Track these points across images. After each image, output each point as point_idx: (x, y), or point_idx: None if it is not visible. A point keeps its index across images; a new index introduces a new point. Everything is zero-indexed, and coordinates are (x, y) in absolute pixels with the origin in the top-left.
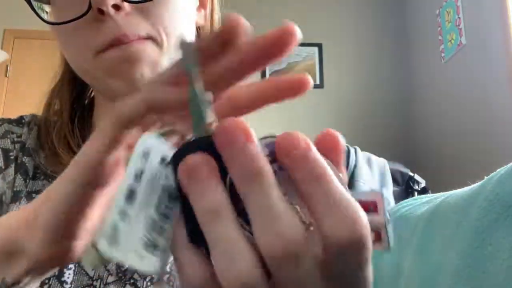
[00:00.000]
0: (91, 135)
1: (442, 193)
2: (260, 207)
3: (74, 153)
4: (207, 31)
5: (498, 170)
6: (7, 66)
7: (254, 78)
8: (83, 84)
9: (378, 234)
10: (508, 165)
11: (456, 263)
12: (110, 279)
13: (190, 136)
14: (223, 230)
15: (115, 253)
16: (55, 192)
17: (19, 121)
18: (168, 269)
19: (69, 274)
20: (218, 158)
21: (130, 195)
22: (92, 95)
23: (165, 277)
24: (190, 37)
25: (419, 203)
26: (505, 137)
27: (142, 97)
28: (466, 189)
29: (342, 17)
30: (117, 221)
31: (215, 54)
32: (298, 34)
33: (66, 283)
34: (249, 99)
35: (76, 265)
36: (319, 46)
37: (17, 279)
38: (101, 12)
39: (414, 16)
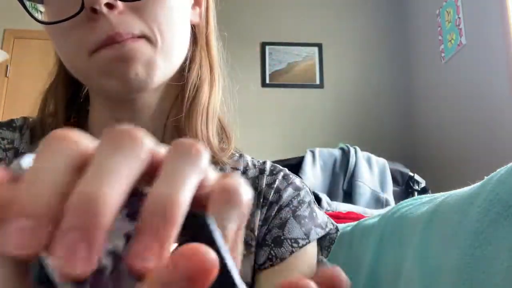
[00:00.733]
0: None
1: (442, 193)
2: None
3: None
4: (202, 29)
5: (498, 170)
6: (7, 66)
7: (254, 82)
8: (78, 84)
9: None
10: (508, 165)
11: (456, 263)
12: None
13: None
14: None
15: None
16: None
17: (10, 125)
18: None
19: None
20: None
21: None
22: (87, 94)
23: None
24: (186, 35)
25: (419, 203)
26: (505, 137)
27: None
28: (466, 189)
29: (342, 17)
30: None
31: None
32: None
33: None
34: None
35: None
36: (319, 46)
37: None
38: (94, 11)
39: (414, 16)
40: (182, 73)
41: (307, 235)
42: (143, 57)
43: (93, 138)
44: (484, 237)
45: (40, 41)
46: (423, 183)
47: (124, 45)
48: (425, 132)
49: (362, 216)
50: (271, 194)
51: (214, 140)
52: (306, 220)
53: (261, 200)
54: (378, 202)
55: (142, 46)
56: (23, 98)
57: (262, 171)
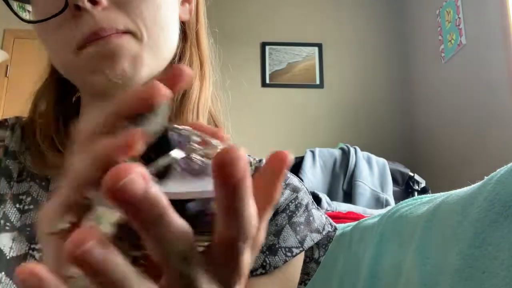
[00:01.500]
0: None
1: (442, 193)
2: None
3: (59, 152)
4: (192, 25)
5: (498, 170)
6: (7, 66)
7: (254, 82)
8: (69, 84)
9: None
10: (508, 165)
11: (456, 263)
12: None
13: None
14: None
15: None
16: None
17: (2, 124)
18: None
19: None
20: None
21: None
22: (78, 94)
23: None
24: (174, 31)
25: (419, 203)
26: (505, 137)
27: (92, 156)
28: (466, 189)
29: (342, 17)
30: None
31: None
32: None
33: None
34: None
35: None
36: (319, 46)
37: None
38: (78, 8)
39: (414, 16)
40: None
41: (301, 243)
42: (129, 53)
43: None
44: (484, 237)
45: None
46: (423, 183)
47: (109, 42)
48: (425, 132)
49: (362, 216)
50: None
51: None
52: (302, 226)
53: None
54: (378, 202)
55: (127, 42)
56: (23, 98)
57: (258, 170)
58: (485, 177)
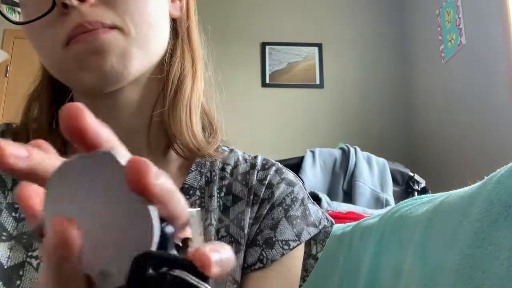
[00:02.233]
0: None
1: (442, 193)
2: None
3: None
4: (183, 22)
5: (498, 170)
6: (7, 66)
7: (254, 82)
8: (62, 88)
9: None
10: (508, 165)
11: (456, 263)
12: None
13: None
14: None
15: None
16: None
17: None
18: None
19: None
20: None
21: None
22: (71, 98)
23: None
24: (164, 27)
25: (419, 203)
26: (505, 137)
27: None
28: (466, 189)
29: (342, 17)
30: None
31: None
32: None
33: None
34: None
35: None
36: (319, 46)
37: None
38: (65, 6)
39: (414, 16)
40: (163, 67)
41: (298, 236)
42: (117, 48)
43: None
44: (484, 237)
45: None
46: (423, 183)
47: (96, 38)
48: (425, 132)
49: (362, 216)
50: (263, 191)
51: (199, 133)
52: (298, 220)
53: (252, 198)
54: (378, 202)
55: (114, 37)
56: (23, 98)
57: (253, 166)
58: (485, 177)
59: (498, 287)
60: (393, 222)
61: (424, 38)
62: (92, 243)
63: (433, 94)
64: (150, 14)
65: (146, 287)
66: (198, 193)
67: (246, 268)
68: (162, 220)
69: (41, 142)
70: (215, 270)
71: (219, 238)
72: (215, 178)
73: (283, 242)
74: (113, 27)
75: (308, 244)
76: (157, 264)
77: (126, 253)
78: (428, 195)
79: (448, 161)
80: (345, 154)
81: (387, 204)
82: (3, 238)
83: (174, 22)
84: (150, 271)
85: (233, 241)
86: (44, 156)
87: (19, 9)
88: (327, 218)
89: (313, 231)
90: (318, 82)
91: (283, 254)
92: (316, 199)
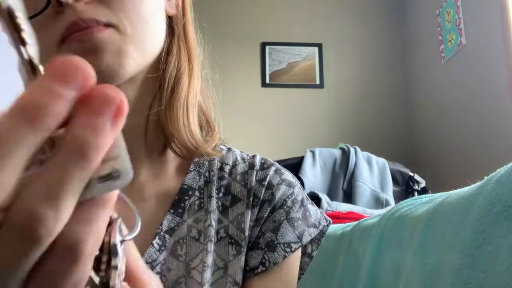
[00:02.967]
0: None
1: (442, 193)
2: None
3: None
4: (179, 20)
5: (498, 170)
6: None
7: (254, 82)
8: None
9: None
10: (508, 165)
11: (456, 263)
12: None
13: None
14: None
15: None
16: None
17: None
18: None
19: None
20: None
21: None
22: None
23: None
24: (160, 25)
25: (419, 203)
26: (505, 137)
27: None
28: (466, 189)
29: (342, 17)
30: None
31: None
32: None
33: None
34: None
35: None
36: (319, 46)
37: None
38: (60, 4)
39: (414, 16)
40: (159, 65)
41: (299, 238)
42: (112, 47)
43: None
44: (484, 237)
45: None
46: (423, 183)
47: (91, 37)
48: (425, 132)
49: (362, 216)
50: (263, 192)
51: (197, 131)
52: (299, 222)
53: (251, 199)
54: (378, 202)
55: (109, 36)
56: None
57: (251, 166)
58: (485, 177)
59: (498, 287)
60: (393, 222)
61: (424, 38)
62: None
63: (433, 94)
64: (146, 12)
65: None
66: (197, 193)
67: (249, 271)
68: None
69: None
70: None
71: (219, 239)
72: (213, 178)
73: (285, 245)
74: (108, 25)
75: None
76: None
77: None
78: (428, 195)
79: (448, 161)
80: (345, 154)
81: (387, 204)
82: None
83: (170, 20)
84: None
85: (233, 243)
86: None
87: None
88: (325, 218)
89: (313, 232)
90: (318, 82)
91: (285, 257)
92: (316, 199)
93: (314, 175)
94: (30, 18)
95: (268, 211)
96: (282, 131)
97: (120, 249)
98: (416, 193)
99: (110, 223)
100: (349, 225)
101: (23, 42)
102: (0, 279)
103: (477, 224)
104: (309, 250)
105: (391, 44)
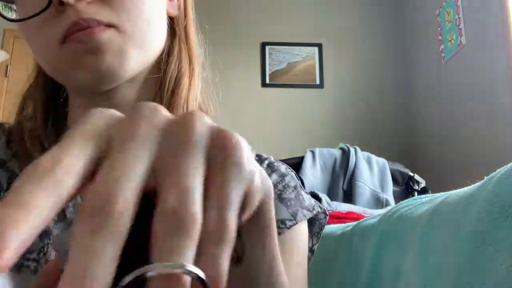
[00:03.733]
0: None
1: (442, 193)
2: None
3: None
4: (180, 20)
5: (498, 170)
6: (7, 66)
7: (254, 82)
8: (57, 86)
9: None
10: (508, 165)
11: (456, 263)
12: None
13: None
14: None
15: None
16: None
17: None
18: None
19: None
20: None
21: None
22: (66, 96)
23: None
24: (161, 26)
25: (419, 203)
26: (505, 137)
27: None
28: (466, 189)
29: (342, 17)
30: None
31: None
32: None
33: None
34: None
35: None
36: (319, 46)
37: None
38: (61, 3)
39: (414, 16)
40: (160, 66)
41: (294, 216)
42: (113, 47)
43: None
44: (484, 237)
45: None
46: (423, 183)
47: (92, 37)
48: (425, 132)
49: (362, 216)
50: None
51: None
52: (292, 202)
53: None
54: (378, 202)
55: (110, 36)
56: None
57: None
58: (485, 177)
59: (498, 287)
60: (393, 222)
61: (424, 38)
62: None
63: (433, 94)
64: (148, 13)
65: None
66: None
67: None
68: None
69: None
70: None
71: None
72: None
73: (279, 222)
74: (109, 26)
75: None
76: None
77: None
78: (428, 195)
79: (448, 161)
80: (345, 154)
81: (387, 204)
82: None
83: (171, 20)
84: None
85: None
86: None
87: (15, 8)
88: (320, 207)
89: (307, 214)
90: (318, 82)
91: (279, 234)
92: (316, 199)
93: (314, 175)
94: (32, 17)
95: None
96: (282, 131)
97: None
98: (416, 193)
99: None
100: (349, 225)
101: None
102: None
103: (477, 224)
104: (310, 244)
105: (391, 44)
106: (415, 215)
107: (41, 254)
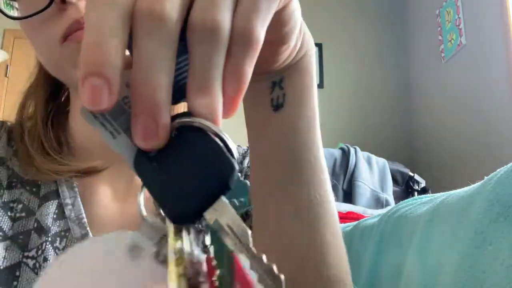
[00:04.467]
0: None
1: (442, 193)
2: None
3: (48, 155)
4: None
5: (498, 170)
6: (7, 66)
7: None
8: (58, 85)
9: None
10: (508, 165)
11: (456, 263)
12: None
13: None
14: None
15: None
16: None
17: None
18: None
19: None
20: None
21: None
22: (68, 95)
23: None
24: None
25: (419, 203)
26: (505, 137)
27: None
28: (466, 189)
29: (342, 17)
30: None
31: None
32: None
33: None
34: None
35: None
36: (319, 46)
37: None
38: (63, 1)
39: (414, 16)
40: None
41: None
42: None
43: (73, 143)
44: (484, 237)
45: None
46: (423, 183)
47: None
48: (425, 132)
49: (362, 216)
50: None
51: None
52: None
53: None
54: (378, 202)
55: None
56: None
57: (244, 156)
58: (485, 177)
59: (498, 287)
60: (393, 222)
61: (424, 38)
62: None
63: (433, 94)
64: None
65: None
66: None
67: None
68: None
69: None
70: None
71: None
72: None
73: None
74: None
75: None
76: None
77: None
78: (428, 195)
79: (448, 161)
80: (345, 154)
81: (387, 204)
82: None
83: None
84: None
85: None
86: None
87: (17, 6)
88: None
89: None
90: (318, 82)
91: None
92: None
93: None
94: (33, 14)
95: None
96: None
97: None
98: (416, 193)
99: None
100: (349, 225)
101: None
102: None
103: (477, 224)
104: None
105: (391, 44)
106: (415, 215)
107: (40, 251)
